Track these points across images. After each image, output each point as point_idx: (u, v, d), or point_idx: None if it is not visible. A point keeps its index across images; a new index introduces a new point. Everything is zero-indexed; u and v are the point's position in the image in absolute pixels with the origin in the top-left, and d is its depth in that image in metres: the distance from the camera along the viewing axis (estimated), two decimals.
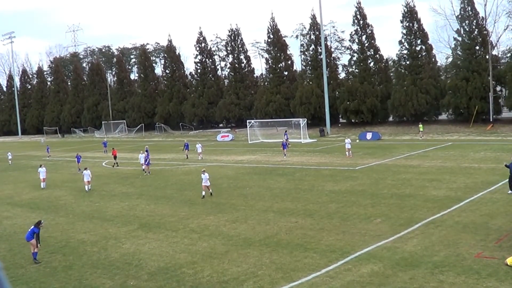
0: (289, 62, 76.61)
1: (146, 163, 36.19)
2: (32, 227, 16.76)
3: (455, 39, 59.61)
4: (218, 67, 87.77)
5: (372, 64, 66.23)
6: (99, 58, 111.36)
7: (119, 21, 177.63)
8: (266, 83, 76.95)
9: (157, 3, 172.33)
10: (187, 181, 31.72)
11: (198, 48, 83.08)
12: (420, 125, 53.62)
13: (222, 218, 20.87)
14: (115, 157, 42.06)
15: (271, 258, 15.21)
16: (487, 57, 56.23)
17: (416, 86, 59.47)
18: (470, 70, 56.20)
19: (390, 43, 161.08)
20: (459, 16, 58.14)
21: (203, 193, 25.20)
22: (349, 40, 67.87)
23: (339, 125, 69.01)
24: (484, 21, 58.41)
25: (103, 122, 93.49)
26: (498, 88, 60.00)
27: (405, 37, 61.89)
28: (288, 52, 76.77)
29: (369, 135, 53.40)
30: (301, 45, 73.93)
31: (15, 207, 26.72)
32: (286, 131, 54.89)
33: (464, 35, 57.82)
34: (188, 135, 77.37)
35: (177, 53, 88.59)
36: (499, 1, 71.98)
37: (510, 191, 21.32)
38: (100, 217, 22.83)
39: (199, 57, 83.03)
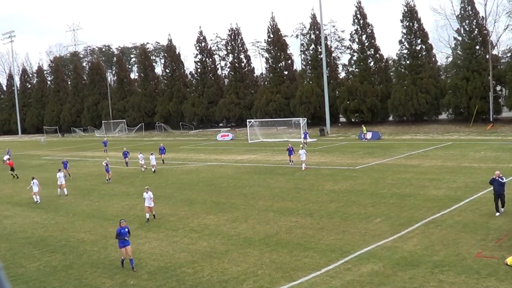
0: (289, 61, 76.64)
1: (106, 169, 33.19)
2: (122, 230, 15.18)
3: (455, 38, 59.61)
4: (218, 66, 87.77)
5: (372, 63, 66.19)
6: (99, 58, 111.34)
7: (119, 20, 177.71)
8: (266, 83, 76.97)
9: (157, 2, 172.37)
10: (187, 181, 31.73)
11: (198, 48, 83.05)
12: (364, 127, 54.17)
13: (222, 218, 20.87)
14: (12, 169, 38.78)
15: (271, 258, 15.21)
16: (487, 56, 56.21)
17: (416, 85, 59.47)
18: (470, 69, 56.20)
19: (390, 43, 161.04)
20: (459, 16, 58.12)
21: (147, 215, 21.16)
22: (349, 40, 67.90)
23: (339, 124, 69.00)
24: (484, 21, 58.43)
25: (103, 121, 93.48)
26: (498, 88, 60.00)
27: (405, 36, 61.87)
28: (288, 52, 76.85)
29: (369, 135, 53.38)
30: (301, 44, 74.02)
31: (15, 206, 26.73)
32: (305, 131, 54.24)
33: (464, 35, 57.80)
34: (188, 135, 77.41)
35: (177, 52, 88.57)
36: (499, 0, 71.80)
37: (497, 213, 18.29)
38: (100, 217, 22.84)
39: (199, 56, 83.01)
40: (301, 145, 48.12)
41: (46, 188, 32.41)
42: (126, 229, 15.26)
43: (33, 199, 27.32)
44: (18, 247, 18.49)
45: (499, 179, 18.38)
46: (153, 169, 36.30)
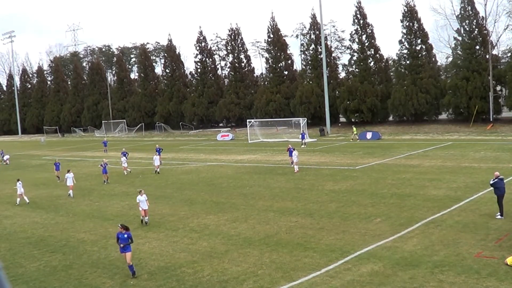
0: (289, 61, 76.59)
1: (103, 171, 32.80)
2: (121, 235, 14.53)
3: (455, 38, 59.59)
4: (218, 66, 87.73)
5: (372, 63, 66.16)
6: (99, 58, 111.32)
7: (119, 20, 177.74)
8: (266, 83, 76.92)
9: (157, 2, 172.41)
10: (187, 181, 31.73)
11: (198, 48, 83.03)
12: (354, 128, 54.44)
13: (222, 218, 20.88)
14: None
15: (271, 258, 15.21)
16: (487, 56, 56.20)
17: (416, 85, 59.45)
18: (470, 69, 56.19)
19: (390, 43, 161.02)
20: (459, 16, 58.11)
21: (146, 219, 20.49)
22: (349, 40, 67.85)
23: (339, 124, 68.98)
24: (484, 21, 58.41)
25: (103, 121, 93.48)
26: (498, 88, 59.96)
27: (405, 36, 61.85)
28: (288, 52, 76.77)
29: (369, 135, 53.37)
30: (301, 44, 73.98)
31: (15, 207, 26.73)
32: (303, 132, 53.70)
33: (464, 35, 57.79)
34: (188, 135, 77.42)
35: (177, 52, 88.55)
36: (499, 0, 71.74)
37: (498, 215, 17.88)
38: (100, 217, 22.84)
39: (199, 56, 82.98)
40: (302, 146, 48.21)
41: (46, 188, 32.50)
42: (126, 235, 14.50)
43: (16, 201, 27.13)
44: (18, 247, 18.49)
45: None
46: (156, 170, 35.92)
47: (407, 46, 61.76)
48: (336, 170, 32.26)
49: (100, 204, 25.83)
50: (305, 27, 77.04)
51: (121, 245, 14.55)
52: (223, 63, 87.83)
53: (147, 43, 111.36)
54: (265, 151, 47.12)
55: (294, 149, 33.64)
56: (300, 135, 52.05)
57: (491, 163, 30.78)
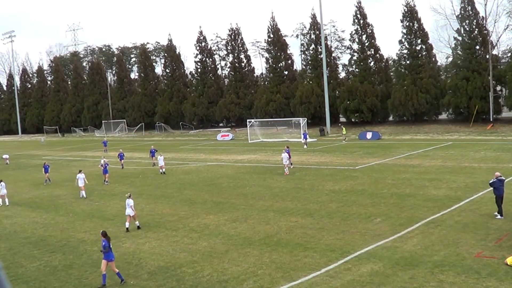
0: (289, 61, 76.61)
1: (103, 171, 32.54)
2: (102, 242, 14.37)
3: (455, 38, 59.61)
4: (218, 66, 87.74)
5: (372, 63, 66.21)
6: (99, 57, 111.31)
7: (119, 20, 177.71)
8: (266, 83, 76.95)
9: (157, 2, 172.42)
10: (187, 180, 31.73)
11: (198, 48, 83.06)
12: (343, 128, 54.71)
13: (222, 217, 20.87)
14: None
15: (271, 258, 15.21)
16: (487, 56, 56.21)
17: (416, 85, 59.48)
18: (470, 69, 56.21)
19: (390, 43, 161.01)
20: (459, 16, 58.14)
21: (127, 224, 19.63)
22: (349, 40, 67.92)
23: (339, 124, 68.98)
24: (484, 21, 58.43)
25: (103, 121, 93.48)
26: (498, 88, 60.03)
27: (405, 36, 61.89)
28: (288, 52, 76.82)
29: (369, 135, 53.39)
30: (301, 44, 74.01)
31: (15, 206, 26.72)
32: (305, 132, 53.42)
33: (464, 35, 57.81)
34: (188, 135, 77.41)
35: (177, 52, 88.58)
36: (499, 0, 71.79)
37: (497, 215, 17.89)
38: (100, 216, 22.83)
39: (199, 56, 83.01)
40: (305, 146, 48.23)
41: (46, 188, 32.50)
42: (104, 243, 14.13)
43: (5, 202, 27.05)
44: (18, 247, 18.49)
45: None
46: (161, 170, 35.56)
47: (407, 46, 61.79)
48: (336, 170, 32.26)
49: (100, 204, 25.82)
50: (305, 27, 77.13)
51: (102, 251, 14.34)
52: (223, 63, 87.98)
53: (147, 43, 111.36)
54: (265, 151, 47.12)
55: (289, 150, 32.86)
56: (302, 135, 52.14)
57: (491, 163, 30.78)
